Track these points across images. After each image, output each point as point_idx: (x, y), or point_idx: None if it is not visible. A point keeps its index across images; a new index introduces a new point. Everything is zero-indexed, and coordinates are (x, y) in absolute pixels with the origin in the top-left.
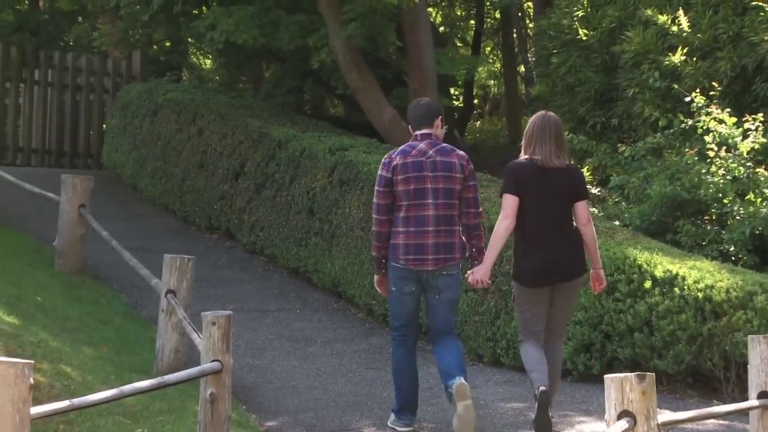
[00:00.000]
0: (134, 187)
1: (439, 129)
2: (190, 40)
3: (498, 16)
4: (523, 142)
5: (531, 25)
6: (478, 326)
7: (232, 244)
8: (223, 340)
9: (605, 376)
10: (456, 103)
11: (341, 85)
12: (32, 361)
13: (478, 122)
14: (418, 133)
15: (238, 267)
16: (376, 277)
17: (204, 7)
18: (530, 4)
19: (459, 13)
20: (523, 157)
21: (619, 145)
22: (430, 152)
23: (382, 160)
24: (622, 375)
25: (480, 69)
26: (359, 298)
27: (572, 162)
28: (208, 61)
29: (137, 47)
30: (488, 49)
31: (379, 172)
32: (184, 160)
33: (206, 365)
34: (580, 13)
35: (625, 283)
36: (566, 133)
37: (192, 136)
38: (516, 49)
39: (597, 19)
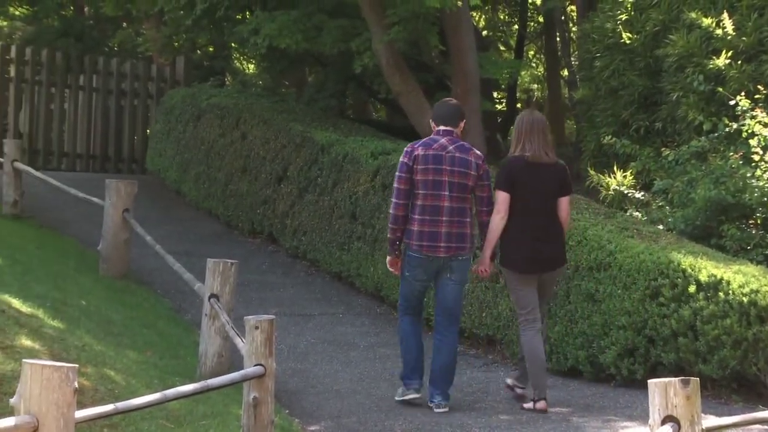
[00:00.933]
0: (178, 191)
1: (461, 130)
2: (233, 44)
3: (541, 19)
4: (512, 140)
5: (574, 29)
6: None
7: (275, 249)
8: (265, 344)
9: (649, 381)
10: (499, 107)
11: (384, 89)
12: (77, 365)
13: None
14: (441, 128)
15: (280, 271)
16: (388, 258)
17: (247, 12)
18: (573, 7)
19: (502, 17)
20: (513, 153)
21: (663, 149)
22: (450, 147)
23: (405, 148)
24: (666, 380)
25: (523, 73)
26: None
27: (559, 160)
28: (252, 66)
29: (181, 52)
30: (531, 52)
31: (401, 159)
32: (227, 164)
33: (249, 369)
34: (624, 17)
35: (669, 288)
36: (609, 137)
37: (235, 140)
38: (559, 53)
39: (641, 23)
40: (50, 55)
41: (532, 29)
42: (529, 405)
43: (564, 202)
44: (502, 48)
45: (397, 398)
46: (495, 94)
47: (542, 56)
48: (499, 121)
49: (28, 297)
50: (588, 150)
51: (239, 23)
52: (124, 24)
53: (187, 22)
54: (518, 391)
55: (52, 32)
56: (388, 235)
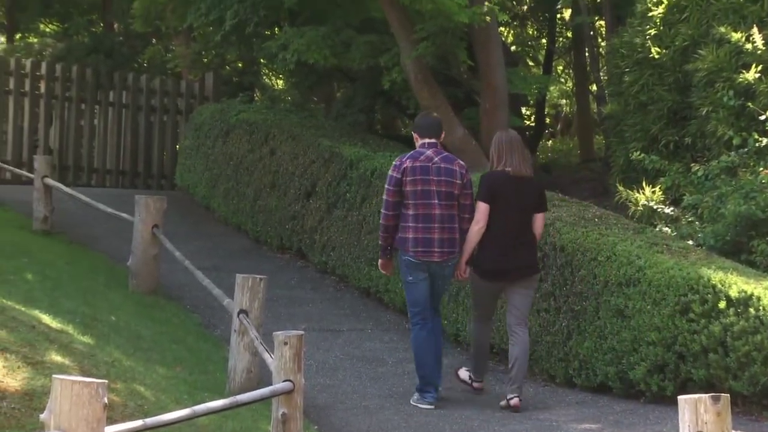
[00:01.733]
0: (207, 207)
1: (441, 140)
2: (262, 60)
3: (570, 35)
4: (493, 157)
5: (603, 44)
6: (550, 346)
7: (304, 264)
8: (294, 359)
9: (679, 397)
10: (527, 122)
11: (412, 104)
12: (106, 381)
13: (550, 141)
14: (426, 141)
15: (309, 287)
16: (380, 261)
17: (276, 28)
18: (602, 22)
19: (531, 33)
20: (495, 168)
21: (693, 164)
22: (436, 159)
23: (393, 162)
24: (696, 396)
25: (551, 88)
26: None
27: (535, 179)
28: (280, 81)
29: (210, 68)
30: (560, 68)
31: (389, 173)
32: (256, 180)
33: (278, 385)
34: (653, 32)
35: (699, 304)
36: (638, 152)
37: (264, 156)
38: (588, 68)
39: (670, 38)
40: (80, 71)
41: (560, 44)
42: (463, 374)
43: (539, 219)
44: (530, 63)
45: (412, 402)
46: (523, 110)
47: (571, 71)
48: (527, 136)
49: (58, 312)
50: (617, 165)
51: (268, 39)
52: (154, 40)
53: (216, 38)
54: (475, 384)
55: (83, 48)
56: (380, 242)
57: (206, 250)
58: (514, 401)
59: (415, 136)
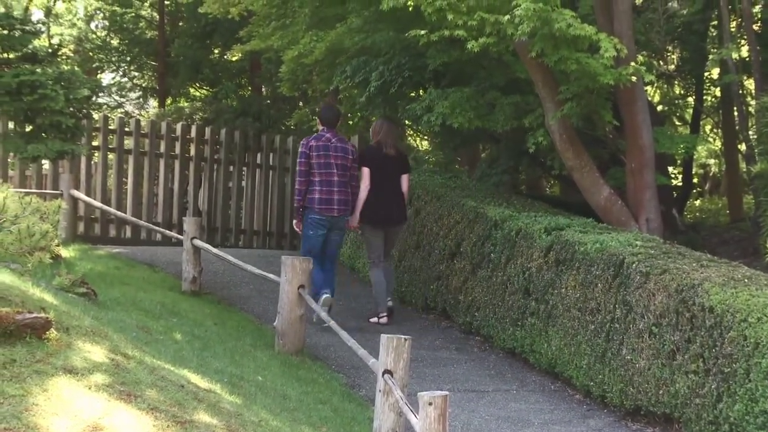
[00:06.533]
0: (352, 268)
1: (336, 127)
2: (406, 122)
3: (718, 93)
4: (372, 136)
5: (752, 103)
6: (699, 409)
7: (448, 324)
8: (439, 420)
9: None
10: (675, 182)
11: (557, 164)
12: None
13: (698, 201)
14: (325, 128)
15: (453, 347)
16: (295, 221)
17: (421, 89)
18: (751, 81)
19: (677, 91)
20: (373, 143)
21: None
22: (333, 140)
23: (302, 141)
24: None
25: (699, 147)
26: (576, 380)
27: (403, 150)
28: (425, 143)
29: (356, 130)
30: (708, 127)
31: (300, 149)
32: (400, 240)
33: None
34: None
35: None
36: None
37: (408, 217)
38: (736, 127)
39: None
40: (229, 134)
41: (708, 103)
42: (374, 319)
43: (405, 179)
44: (677, 122)
45: (371, 320)
46: (671, 169)
47: (719, 130)
48: (674, 196)
49: (207, 372)
50: (767, 225)
51: (412, 100)
52: (301, 103)
53: (362, 100)
54: (381, 320)
55: (231, 112)
56: (295, 205)
57: (351, 310)
58: (384, 319)
59: (318, 122)
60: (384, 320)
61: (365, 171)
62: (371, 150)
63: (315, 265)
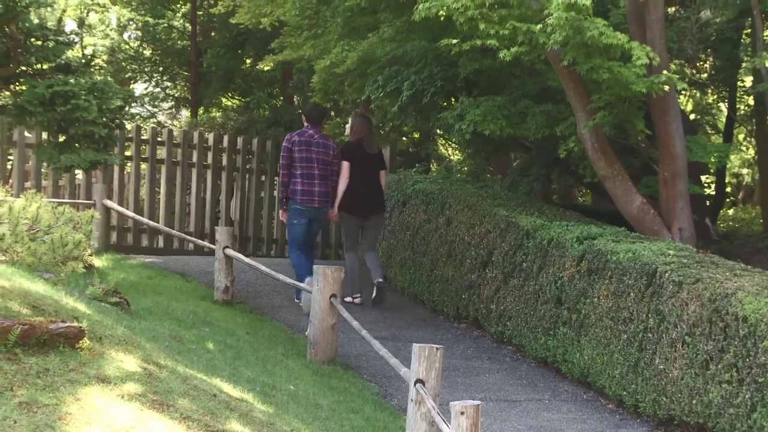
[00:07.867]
0: (383, 276)
1: (322, 125)
2: (438, 131)
3: (751, 102)
4: (350, 132)
5: None
6: (734, 419)
7: (480, 334)
8: (471, 430)
9: None
10: (708, 191)
11: (589, 173)
12: None
13: (731, 210)
14: (310, 125)
15: (485, 356)
16: (281, 212)
17: (453, 98)
18: None
19: (710, 100)
20: (351, 140)
21: None
22: (316, 136)
23: (286, 137)
24: None
25: (732, 156)
26: (609, 389)
27: (380, 148)
28: (456, 152)
29: (388, 140)
30: (741, 136)
31: (284, 144)
32: (432, 249)
33: None
34: None
35: None
36: None
37: (440, 226)
38: None
39: None
40: (261, 143)
41: (741, 112)
42: (348, 299)
43: (383, 174)
44: (710, 131)
45: (347, 299)
46: (703, 178)
47: (752, 139)
48: (707, 205)
49: (239, 381)
50: None
51: (444, 109)
52: (333, 113)
53: (394, 110)
54: (356, 300)
55: (263, 122)
56: (279, 196)
57: (383, 319)
58: (357, 300)
59: (303, 119)
60: (358, 300)
61: (345, 165)
62: (351, 146)
63: (298, 251)
